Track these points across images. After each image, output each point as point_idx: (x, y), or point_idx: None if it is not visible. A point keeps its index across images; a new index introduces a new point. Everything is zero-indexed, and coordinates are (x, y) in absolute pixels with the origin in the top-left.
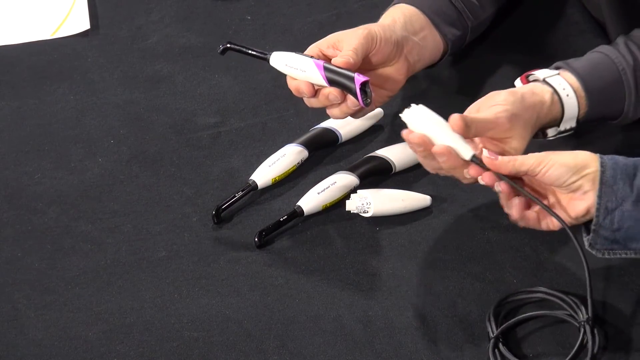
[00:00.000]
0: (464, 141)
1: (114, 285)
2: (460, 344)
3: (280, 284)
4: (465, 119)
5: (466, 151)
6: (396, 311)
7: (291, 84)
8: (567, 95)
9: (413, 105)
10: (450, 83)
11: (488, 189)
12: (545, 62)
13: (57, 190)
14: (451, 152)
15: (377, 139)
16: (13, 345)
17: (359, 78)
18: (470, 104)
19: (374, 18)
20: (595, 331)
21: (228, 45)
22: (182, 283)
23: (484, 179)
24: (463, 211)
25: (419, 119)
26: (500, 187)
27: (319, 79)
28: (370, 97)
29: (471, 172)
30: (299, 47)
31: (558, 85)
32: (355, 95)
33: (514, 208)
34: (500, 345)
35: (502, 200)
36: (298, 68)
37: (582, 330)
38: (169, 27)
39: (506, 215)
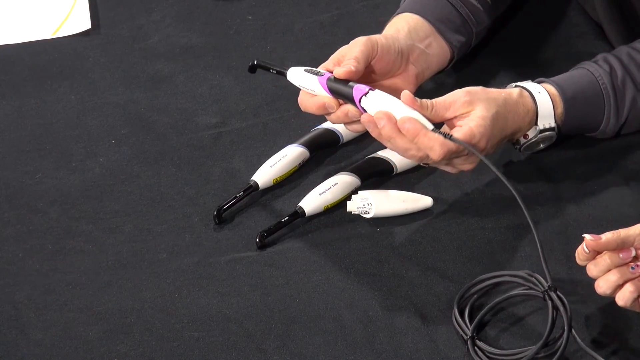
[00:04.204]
0: (423, 116)
1: (115, 285)
2: (460, 344)
3: (280, 284)
4: (413, 96)
5: (427, 123)
6: (396, 311)
7: (307, 105)
8: (539, 93)
9: (370, 91)
10: (452, 87)
11: (488, 189)
12: (546, 64)
13: (58, 190)
14: (414, 119)
15: None
16: (14, 345)
17: (358, 91)
18: None
19: (376, 18)
20: (561, 295)
21: (255, 63)
22: (183, 283)
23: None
24: (464, 211)
25: (379, 103)
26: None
27: (328, 95)
28: None
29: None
30: (300, 48)
31: (529, 85)
32: (356, 106)
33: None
34: (478, 342)
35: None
36: (308, 88)
37: (548, 299)
38: (170, 27)
39: (508, 216)
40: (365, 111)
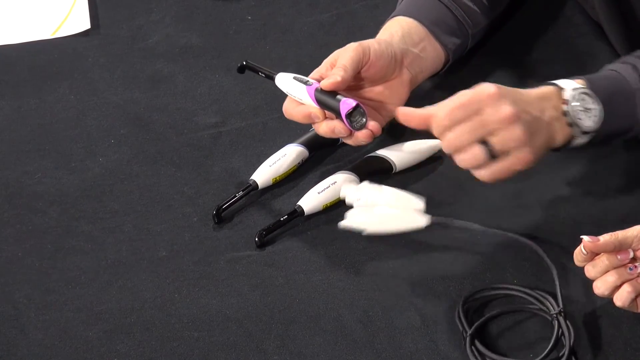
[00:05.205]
0: (415, 212)
1: (115, 285)
2: (460, 344)
3: (280, 284)
4: None
5: (421, 221)
6: (396, 311)
7: (292, 112)
8: (562, 80)
9: (357, 107)
10: (451, 86)
11: (488, 191)
12: (546, 64)
13: (57, 189)
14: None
15: (378, 139)
16: (13, 345)
17: (344, 106)
18: None
19: (375, 18)
20: (568, 323)
21: (244, 63)
22: (183, 283)
23: None
24: (464, 212)
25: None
26: None
27: (314, 105)
28: (360, 121)
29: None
30: (300, 48)
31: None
32: (342, 120)
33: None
34: (477, 342)
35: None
36: (295, 96)
37: (555, 322)
38: (170, 27)
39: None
40: (352, 125)
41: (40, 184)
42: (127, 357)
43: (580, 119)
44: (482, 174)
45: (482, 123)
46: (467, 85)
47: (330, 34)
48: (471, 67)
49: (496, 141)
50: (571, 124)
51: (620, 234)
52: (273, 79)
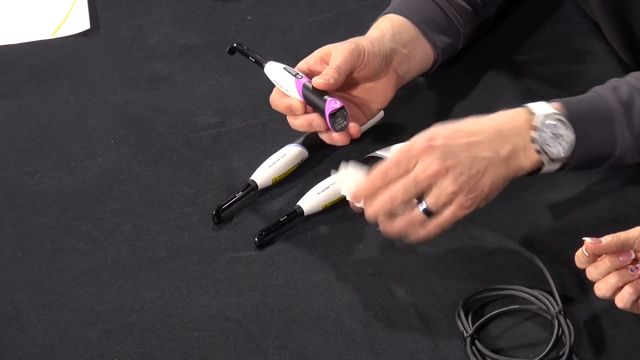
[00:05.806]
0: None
1: (114, 285)
2: (460, 344)
3: (280, 284)
4: None
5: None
6: (396, 311)
7: (277, 103)
8: (537, 104)
9: (342, 109)
10: (446, 83)
11: None
12: (544, 64)
13: (57, 190)
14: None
15: (377, 139)
16: (13, 345)
17: (330, 107)
18: (467, 104)
19: (375, 18)
20: (569, 322)
21: (235, 45)
22: (182, 283)
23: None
24: None
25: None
26: None
27: (299, 99)
28: (342, 123)
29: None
30: (299, 48)
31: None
32: (325, 120)
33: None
34: (477, 343)
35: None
36: (282, 86)
37: (556, 322)
38: (169, 27)
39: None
40: (333, 126)
41: (40, 184)
42: (127, 357)
43: (548, 145)
44: (420, 234)
45: (415, 180)
46: (463, 82)
47: (330, 34)
48: (468, 64)
49: (430, 199)
50: (539, 152)
51: (622, 235)
52: (262, 66)
